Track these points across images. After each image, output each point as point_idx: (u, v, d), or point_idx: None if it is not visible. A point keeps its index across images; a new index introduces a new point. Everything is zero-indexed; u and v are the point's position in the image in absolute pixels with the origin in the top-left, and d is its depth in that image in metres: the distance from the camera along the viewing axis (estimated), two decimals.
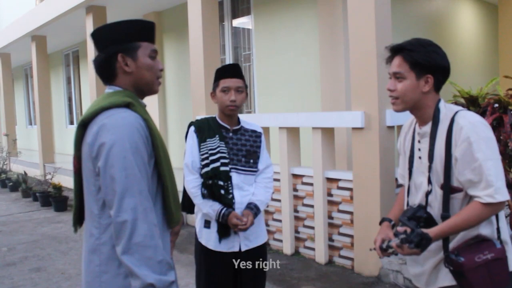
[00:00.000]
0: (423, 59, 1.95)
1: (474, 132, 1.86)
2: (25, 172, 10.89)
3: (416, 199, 2.09)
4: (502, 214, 2.02)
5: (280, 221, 5.39)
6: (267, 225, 5.55)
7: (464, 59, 7.88)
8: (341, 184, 4.77)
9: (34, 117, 14.90)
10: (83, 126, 1.71)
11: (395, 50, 2.03)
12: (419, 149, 2.07)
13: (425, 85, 1.97)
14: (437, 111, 2.00)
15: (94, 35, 1.85)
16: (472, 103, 4.10)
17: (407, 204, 2.14)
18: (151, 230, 1.59)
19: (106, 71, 1.82)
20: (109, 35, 1.80)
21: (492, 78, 4.14)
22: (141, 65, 1.80)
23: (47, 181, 9.13)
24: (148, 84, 1.84)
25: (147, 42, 1.84)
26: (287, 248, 5.30)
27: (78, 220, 1.86)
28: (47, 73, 11.86)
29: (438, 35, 7.46)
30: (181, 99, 8.86)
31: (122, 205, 1.57)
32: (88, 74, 9.43)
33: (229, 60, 7.66)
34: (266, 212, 5.54)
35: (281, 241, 5.40)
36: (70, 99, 13.48)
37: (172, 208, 1.80)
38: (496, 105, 3.91)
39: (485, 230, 1.94)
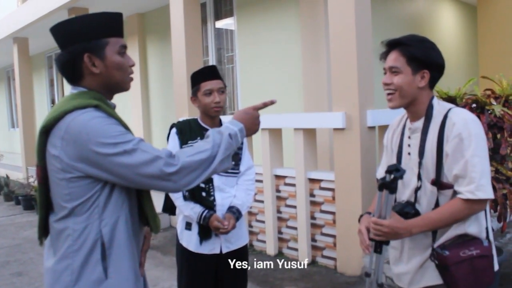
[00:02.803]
0: (421, 54, 1.95)
1: (466, 129, 1.86)
2: (7, 176, 10.78)
3: (403, 195, 2.08)
4: (489, 215, 2.02)
5: (263, 222, 5.41)
6: (250, 226, 5.57)
7: (445, 60, 7.93)
8: (323, 184, 4.81)
9: (17, 119, 14.73)
10: (45, 133, 1.61)
11: (392, 45, 2.03)
12: (409, 145, 2.07)
13: (421, 80, 1.97)
14: (430, 107, 2.00)
15: (54, 30, 1.69)
16: (450, 103, 4.15)
17: (394, 201, 2.12)
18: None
19: (71, 72, 1.69)
20: (72, 31, 1.65)
21: (470, 79, 4.19)
22: (110, 64, 1.67)
23: (30, 184, 9.05)
24: (118, 83, 1.73)
25: (115, 37, 1.69)
26: (271, 249, 5.32)
27: (44, 232, 1.75)
28: (29, 76, 11.74)
29: None
30: (164, 100, 8.83)
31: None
32: None
33: (212, 61, 7.66)
34: (249, 213, 5.56)
35: (264, 242, 5.42)
36: (53, 101, 13.34)
37: (148, 212, 1.77)
38: (474, 105, 3.96)
39: (473, 228, 1.94)
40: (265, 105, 1.89)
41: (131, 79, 1.78)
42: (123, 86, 1.75)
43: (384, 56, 2.07)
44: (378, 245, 1.97)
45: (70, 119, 1.56)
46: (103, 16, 1.69)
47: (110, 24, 1.69)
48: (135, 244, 1.74)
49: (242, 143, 2.87)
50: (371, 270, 2.04)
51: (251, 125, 1.82)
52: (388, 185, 1.89)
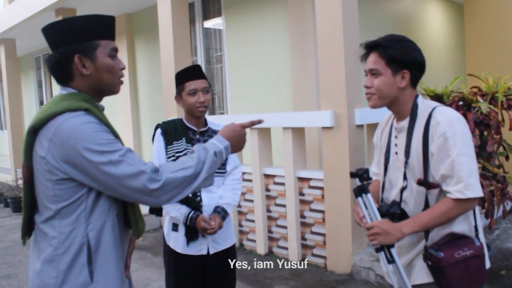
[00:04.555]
0: (399, 55, 1.94)
1: (451, 128, 1.85)
2: None
3: (391, 195, 2.08)
4: (478, 213, 2.03)
5: (253, 221, 5.41)
6: (240, 225, 5.57)
7: (432, 58, 7.97)
8: (312, 183, 4.81)
9: (5, 121, 14.63)
10: (34, 133, 1.59)
11: (370, 47, 2.02)
12: (396, 145, 2.06)
13: (401, 80, 1.97)
14: (415, 107, 1.99)
15: (46, 31, 1.68)
16: (437, 101, 4.18)
17: (382, 200, 2.13)
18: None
19: (61, 72, 1.68)
20: (64, 32, 1.65)
21: (456, 77, 4.22)
22: (100, 66, 1.67)
23: (19, 186, 8.99)
24: (108, 86, 1.72)
25: (107, 39, 1.70)
26: (261, 248, 5.32)
27: (28, 232, 1.73)
28: (17, 77, 11.65)
29: (406, 35, 7.52)
30: (153, 100, 8.81)
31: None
32: None
33: (201, 61, 7.65)
34: (239, 212, 5.56)
35: (254, 241, 5.42)
36: (41, 103, 13.25)
37: (130, 216, 1.74)
38: (461, 102, 3.99)
39: (460, 227, 1.94)
40: (252, 123, 1.90)
41: (121, 82, 1.77)
42: (112, 88, 1.75)
43: (364, 57, 2.06)
44: (387, 252, 1.95)
45: (60, 121, 1.55)
46: (96, 18, 1.69)
47: (102, 27, 1.69)
48: (121, 248, 1.74)
49: None
50: (396, 285, 2.00)
51: (237, 142, 1.84)
52: (363, 187, 1.92)
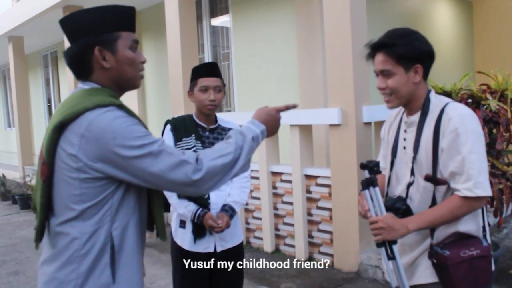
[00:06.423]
0: (409, 51, 1.88)
1: (463, 124, 1.82)
2: (3, 175, 10.74)
3: (396, 190, 2.05)
4: (485, 214, 2.00)
5: (260, 219, 5.41)
6: (247, 223, 5.56)
7: (441, 56, 7.86)
8: (319, 181, 4.80)
9: (13, 119, 14.70)
10: (60, 129, 1.50)
11: (376, 47, 1.96)
12: (405, 139, 2.03)
13: (415, 75, 1.92)
14: (427, 101, 1.95)
15: (64, 23, 1.62)
16: None
17: (386, 195, 2.10)
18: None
19: (80, 65, 1.61)
20: (83, 23, 1.58)
21: (465, 74, 4.19)
22: (121, 59, 1.60)
23: (26, 183, 9.03)
24: (129, 80, 1.65)
25: (127, 31, 1.63)
26: (268, 246, 5.32)
27: (41, 235, 1.63)
28: (25, 75, 11.70)
29: None
30: (160, 97, 8.83)
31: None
32: (67, 75, 9.31)
33: (208, 59, 7.65)
34: (246, 210, 5.56)
35: (261, 239, 5.41)
36: (49, 101, 13.31)
37: (158, 220, 1.71)
38: (469, 100, 3.95)
39: (466, 227, 1.92)
40: (287, 108, 1.84)
41: (142, 77, 1.71)
42: (133, 82, 1.68)
43: (370, 57, 2.01)
44: (388, 249, 1.91)
45: (92, 117, 1.48)
46: (116, 9, 1.62)
47: (123, 18, 1.63)
48: (142, 249, 1.69)
49: None
50: (395, 283, 1.97)
51: (272, 127, 1.77)
52: (372, 180, 1.89)
